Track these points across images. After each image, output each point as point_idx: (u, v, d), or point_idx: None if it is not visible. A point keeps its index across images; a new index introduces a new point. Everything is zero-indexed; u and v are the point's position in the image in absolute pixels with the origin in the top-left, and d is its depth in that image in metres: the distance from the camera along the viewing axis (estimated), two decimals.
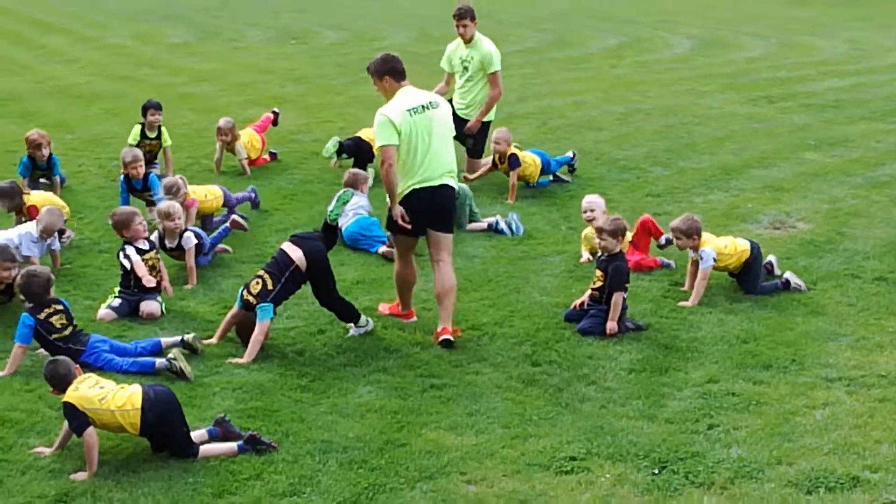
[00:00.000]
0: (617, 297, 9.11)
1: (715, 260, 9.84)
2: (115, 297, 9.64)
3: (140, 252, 9.72)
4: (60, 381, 7.19)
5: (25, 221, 10.86)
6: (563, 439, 7.42)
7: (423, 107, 9.05)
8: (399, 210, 9.03)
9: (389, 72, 9.16)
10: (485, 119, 13.76)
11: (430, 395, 8.10)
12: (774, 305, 9.76)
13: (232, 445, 7.23)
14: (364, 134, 13.81)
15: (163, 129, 14.00)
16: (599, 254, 9.57)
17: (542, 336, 9.13)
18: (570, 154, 13.99)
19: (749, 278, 10.02)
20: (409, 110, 8.98)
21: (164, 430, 7.15)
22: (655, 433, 7.50)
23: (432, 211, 9.13)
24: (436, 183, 9.08)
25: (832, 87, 20.14)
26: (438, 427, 7.61)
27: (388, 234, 10.02)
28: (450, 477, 6.98)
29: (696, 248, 9.89)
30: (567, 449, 7.29)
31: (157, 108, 13.97)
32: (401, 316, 9.58)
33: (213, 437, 7.34)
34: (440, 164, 9.11)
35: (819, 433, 7.48)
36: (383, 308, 9.69)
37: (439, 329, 9.05)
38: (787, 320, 9.44)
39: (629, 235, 10.74)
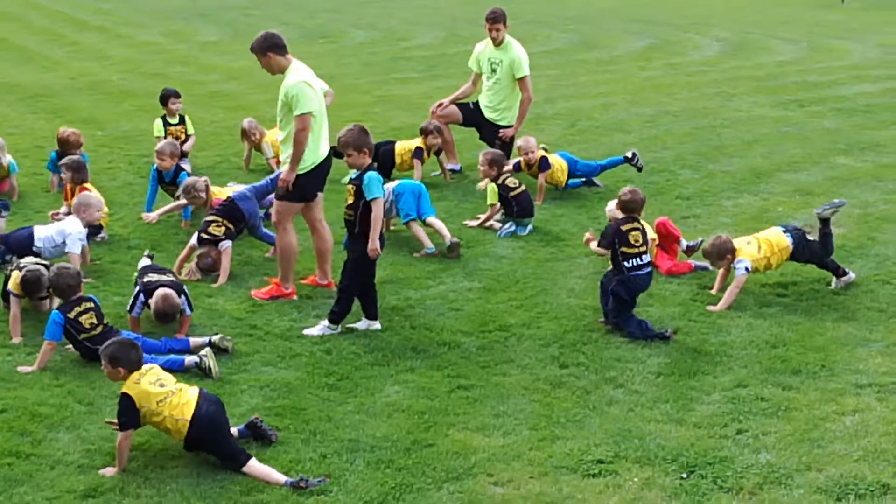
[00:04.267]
0: (597, 249, 9.30)
1: (748, 269, 9.78)
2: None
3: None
4: (129, 364, 7.08)
5: (66, 212, 11.09)
6: (590, 442, 7.40)
7: (313, 78, 9.74)
8: (292, 178, 9.54)
9: (272, 48, 9.70)
10: (504, 123, 13.79)
11: (457, 396, 8.10)
12: (804, 310, 9.71)
13: (280, 478, 6.87)
14: (400, 146, 13.79)
15: (186, 117, 14.24)
16: None
17: (570, 338, 9.11)
18: (628, 154, 13.51)
19: (811, 260, 10.09)
20: (314, 81, 9.68)
21: (207, 443, 7.12)
22: (684, 437, 7.47)
23: (325, 176, 9.92)
24: (327, 147, 9.81)
25: (863, 92, 20.00)
26: (466, 428, 7.61)
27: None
28: (477, 478, 6.97)
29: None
30: (594, 452, 7.27)
31: (177, 95, 14.31)
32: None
33: (241, 437, 7.33)
34: (327, 131, 9.83)
35: (849, 440, 7.43)
36: (278, 290, 9.87)
37: (328, 281, 9.98)
38: (817, 325, 9.39)
39: (656, 240, 10.75)
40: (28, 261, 9.48)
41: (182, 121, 14.29)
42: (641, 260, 9.21)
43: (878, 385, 8.26)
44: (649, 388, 8.23)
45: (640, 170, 13.59)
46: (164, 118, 14.27)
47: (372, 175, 9.00)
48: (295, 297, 9.85)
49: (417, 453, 7.25)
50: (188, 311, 9.21)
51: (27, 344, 8.87)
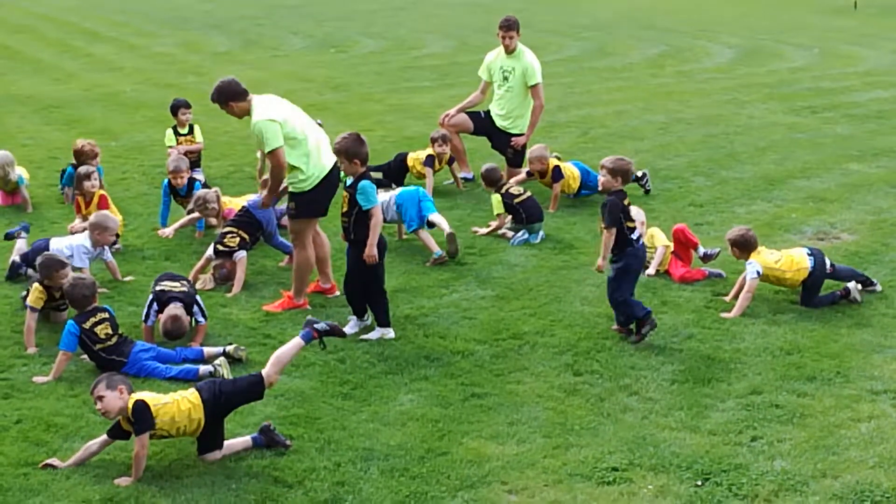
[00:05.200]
0: (606, 236, 9.06)
1: (759, 273, 9.76)
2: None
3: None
4: (128, 385, 7.23)
5: (87, 217, 11.12)
6: (604, 450, 7.40)
7: (279, 110, 9.66)
8: (269, 203, 10.04)
9: (231, 98, 9.81)
10: (516, 131, 13.80)
11: (471, 404, 8.10)
12: (819, 317, 9.69)
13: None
14: (413, 155, 13.76)
15: (196, 127, 14.33)
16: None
17: (584, 346, 9.10)
18: (638, 173, 13.23)
19: (807, 294, 9.95)
20: (279, 107, 9.65)
21: (223, 394, 7.28)
22: (698, 444, 7.46)
23: (335, 188, 9.86)
24: (332, 158, 9.68)
25: (876, 98, 19.98)
26: (480, 436, 7.61)
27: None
28: (491, 486, 6.98)
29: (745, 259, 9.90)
30: (609, 459, 7.27)
31: (187, 105, 14.44)
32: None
33: (256, 446, 7.38)
34: (328, 143, 9.70)
35: (864, 446, 7.41)
36: (292, 301, 9.89)
37: (331, 284, 10.13)
38: (832, 332, 9.36)
39: (671, 247, 10.75)
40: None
41: (191, 130, 14.39)
42: (637, 231, 9.27)
43: (894, 391, 8.24)
44: (663, 396, 8.22)
45: (647, 192, 13.43)
46: (174, 128, 14.37)
47: (365, 184, 9.05)
48: (308, 308, 9.87)
49: (431, 461, 7.25)
50: (203, 321, 9.25)
51: (42, 354, 8.91)
